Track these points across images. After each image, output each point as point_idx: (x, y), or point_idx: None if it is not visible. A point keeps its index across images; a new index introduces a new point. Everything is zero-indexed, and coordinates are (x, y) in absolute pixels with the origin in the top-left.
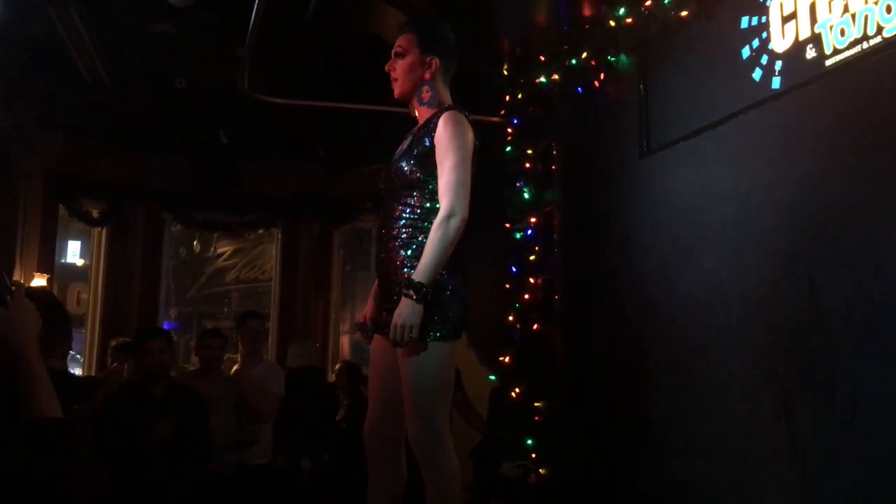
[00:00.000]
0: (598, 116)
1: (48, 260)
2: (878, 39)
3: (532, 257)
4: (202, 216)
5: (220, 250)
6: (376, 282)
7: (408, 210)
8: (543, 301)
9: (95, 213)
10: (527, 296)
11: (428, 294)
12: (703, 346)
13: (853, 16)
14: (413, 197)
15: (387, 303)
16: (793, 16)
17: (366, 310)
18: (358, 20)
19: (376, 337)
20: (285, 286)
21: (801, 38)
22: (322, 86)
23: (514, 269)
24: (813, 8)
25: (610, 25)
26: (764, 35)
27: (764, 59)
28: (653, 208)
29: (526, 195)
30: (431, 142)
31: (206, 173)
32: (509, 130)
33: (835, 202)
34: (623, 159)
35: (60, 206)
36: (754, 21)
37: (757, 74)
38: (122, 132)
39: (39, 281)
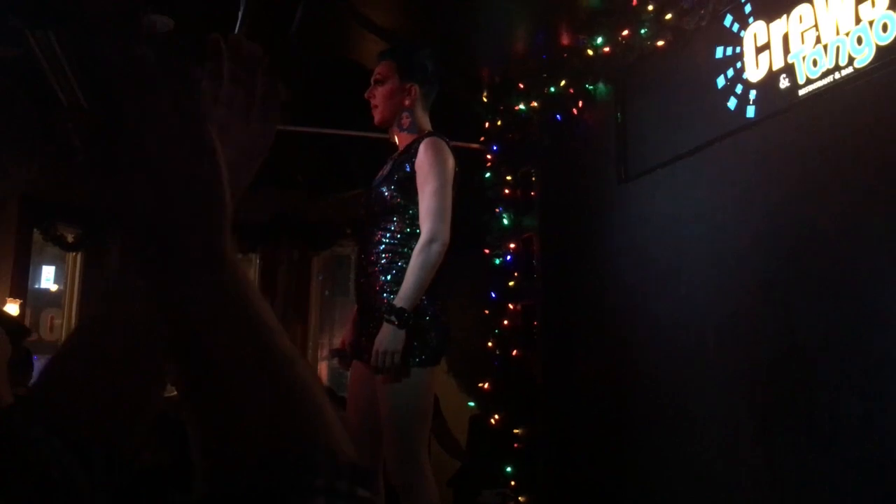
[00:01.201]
0: (576, 143)
1: (21, 285)
2: (850, 70)
3: (511, 283)
4: None
5: None
6: (355, 307)
7: (388, 235)
8: (523, 327)
9: (70, 238)
10: (506, 322)
11: (410, 320)
12: (682, 371)
13: (825, 47)
14: (393, 222)
15: (367, 328)
16: (766, 46)
17: (344, 335)
18: (338, 46)
19: (355, 363)
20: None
21: (775, 68)
22: (302, 111)
23: (493, 295)
24: (786, 39)
25: (588, 55)
26: (738, 65)
27: (738, 89)
28: (631, 234)
29: (505, 221)
30: (412, 167)
31: None
32: (489, 157)
33: (809, 228)
34: (601, 186)
35: (35, 230)
36: (729, 51)
37: (732, 103)
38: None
39: (12, 307)
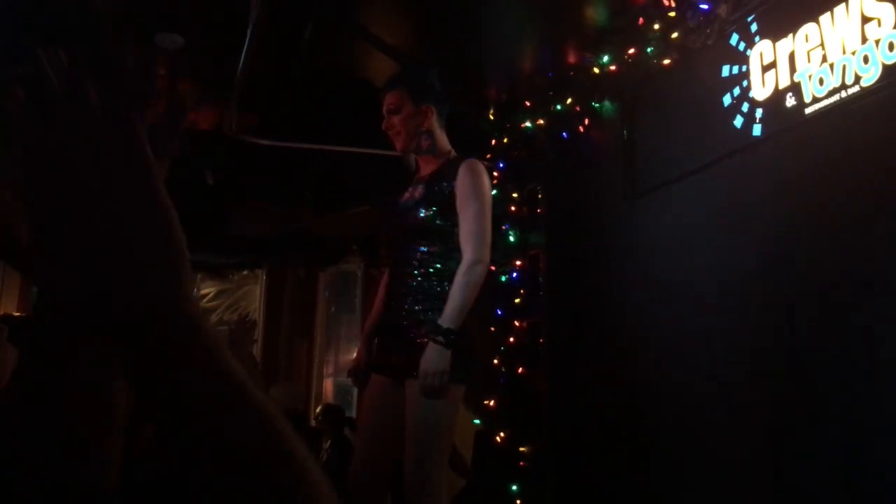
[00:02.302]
0: (582, 161)
1: (29, 300)
2: (857, 89)
3: (517, 300)
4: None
5: (203, 291)
6: (369, 325)
7: (426, 257)
8: (529, 344)
9: None
10: (512, 339)
11: (455, 340)
12: (690, 388)
13: (831, 66)
14: (430, 243)
15: (396, 344)
16: (772, 65)
17: (358, 354)
18: (346, 64)
19: (375, 380)
20: (269, 328)
21: (781, 86)
22: (309, 128)
23: (499, 312)
24: (792, 57)
25: (594, 72)
26: (744, 83)
27: (745, 107)
28: (638, 252)
29: (511, 238)
30: (451, 190)
31: (190, 214)
32: (495, 174)
33: (816, 246)
34: (608, 203)
35: None
36: (735, 70)
37: (738, 121)
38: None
39: None
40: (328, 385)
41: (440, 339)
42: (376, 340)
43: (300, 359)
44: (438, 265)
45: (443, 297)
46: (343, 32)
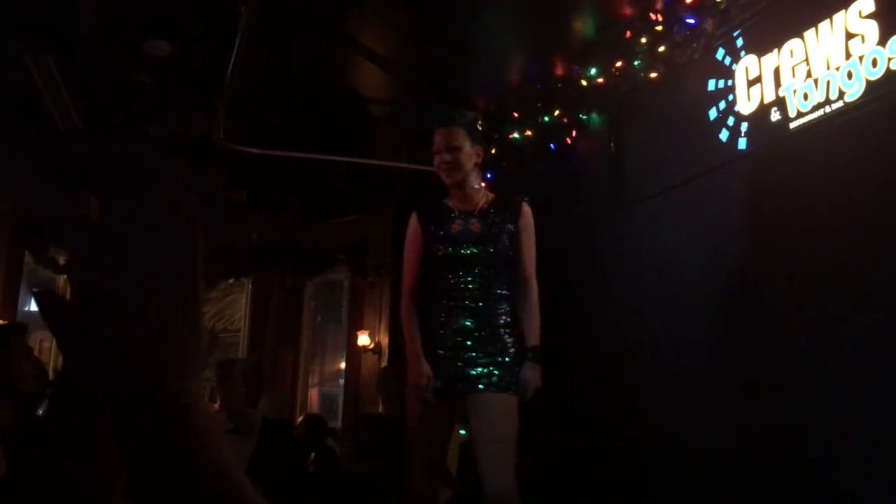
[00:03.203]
0: (570, 172)
1: (11, 308)
2: (840, 104)
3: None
4: None
5: None
6: (419, 346)
7: (504, 284)
8: None
9: (62, 261)
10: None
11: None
12: (677, 395)
13: (816, 81)
14: (507, 273)
15: (478, 363)
16: (758, 79)
17: (426, 369)
18: (335, 73)
19: (437, 399)
20: (255, 337)
21: (766, 101)
22: (298, 137)
23: None
24: (777, 72)
25: (582, 85)
26: (730, 97)
27: (730, 121)
28: (625, 261)
29: None
30: (517, 227)
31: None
32: (483, 184)
33: (800, 257)
34: (595, 214)
35: (26, 253)
36: (721, 84)
37: (724, 135)
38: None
39: None
40: (313, 395)
41: (536, 357)
42: (431, 359)
43: (286, 368)
44: (504, 291)
45: (507, 321)
46: (332, 42)
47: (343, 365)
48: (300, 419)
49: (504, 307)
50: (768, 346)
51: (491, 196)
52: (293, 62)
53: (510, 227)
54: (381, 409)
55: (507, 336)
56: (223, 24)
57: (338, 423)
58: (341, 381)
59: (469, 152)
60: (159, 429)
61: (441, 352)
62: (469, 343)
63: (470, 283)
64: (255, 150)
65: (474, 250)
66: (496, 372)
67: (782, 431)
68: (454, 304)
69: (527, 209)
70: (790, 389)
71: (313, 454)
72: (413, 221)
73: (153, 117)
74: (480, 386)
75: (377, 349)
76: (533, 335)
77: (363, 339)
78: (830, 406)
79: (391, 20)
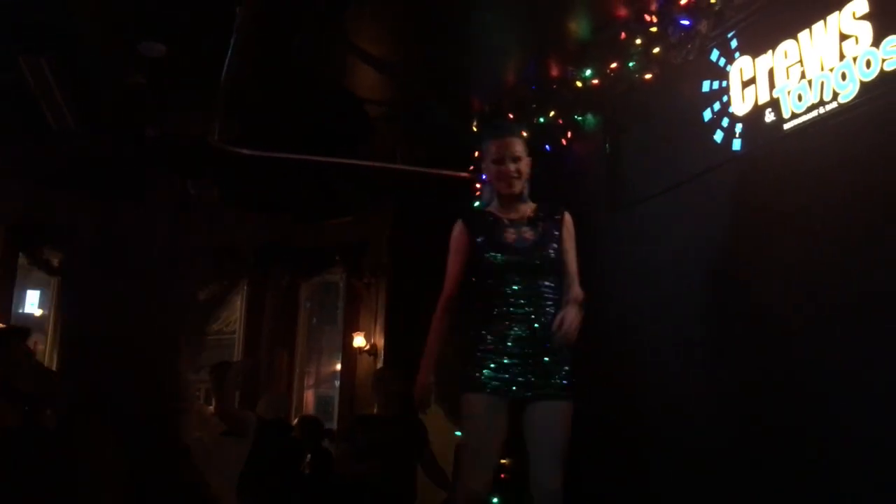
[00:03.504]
0: (565, 173)
1: (5, 309)
2: (834, 105)
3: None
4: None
5: None
6: (434, 356)
7: (553, 290)
8: None
9: (56, 262)
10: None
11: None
12: (672, 399)
13: (810, 82)
14: (554, 279)
15: (535, 367)
16: (752, 81)
17: (425, 382)
18: (331, 74)
19: (489, 400)
20: (250, 338)
21: (761, 102)
22: (294, 138)
23: None
24: (771, 73)
25: (577, 86)
26: (725, 99)
27: (725, 122)
28: (622, 262)
29: None
30: (561, 234)
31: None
32: (478, 185)
33: (795, 258)
34: (590, 215)
35: (20, 254)
36: (715, 85)
37: (718, 136)
38: (88, 181)
39: None
40: (309, 396)
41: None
42: (491, 364)
43: (281, 370)
44: (558, 297)
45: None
46: (328, 43)
47: (339, 366)
48: (296, 421)
49: (554, 313)
50: (765, 346)
51: (533, 204)
52: (289, 63)
53: (556, 233)
54: (376, 410)
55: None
56: (218, 25)
57: (333, 425)
58: (337, 383)
59: (527, 161)
60: (158, 429)
61: (496, 359)
62: (523, 350)
63: (524, 290)
64: (249, 152)
65: (530, 258)
66: (551, 380)
67: (780, 431)
68: (508, 311)
69: (568, 216)
70: (788, 389)
71: (309, 456)
72: (459, 231)
73: (149, 119)
74: (534, 393)
75: (373, 351)
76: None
77: (359, 341)
78: (829, 406)
79: (387, 21)
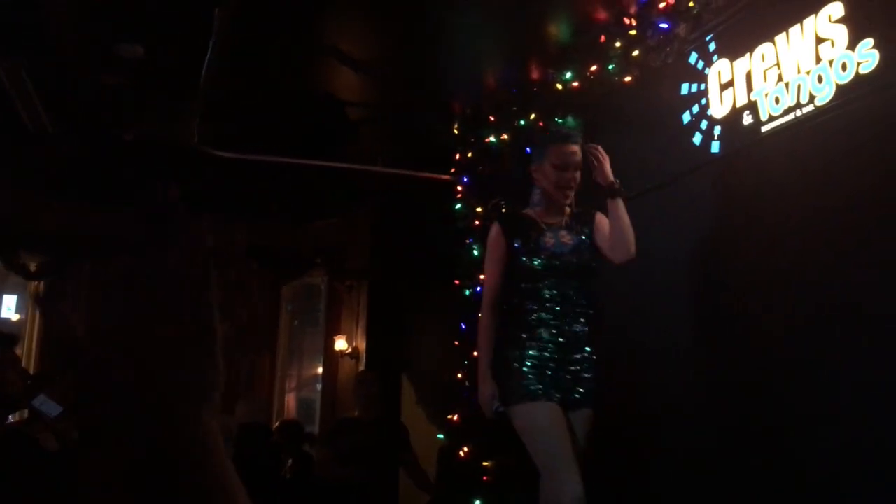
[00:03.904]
0: None
1: None
2: (811, 108)
3: (481, 314)
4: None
5: None
6: (489, 362)
7: (586, 295)
8: None
9: (33, 267)
10: (476, 353)
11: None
12: (653, 398)
13: (787, 85)
14: (589, 284)
15: (574, 374)
16: (730, 83)
17: (491, 390)
18: (312, 76)
19: (551, 406)
20: (230, 341)
21: (739, 104)
22: (275, 141)
23: (463, 327)
24: (749, 76)
25: (557, 88)
26: (703, 101)
27: (704, 125)
28: (600, 265)
29: (475, 252)
30: (594, 233)
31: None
32: (459, 188)
33: (773, 260)
34: None
35: None
36: (694, 88)
37: (697, 139)
38: (66, 184)
39: None
40: (290, 400)
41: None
42: (534, 371)
43: (262, 373)
44: (591, 303)
45: (591, 334)
46: (309, 46)
47: (320, 369)
48: (277, 425)
49: (589, 318)
50: (744, 348)
51: (568, 209)
52: (269, 65)
53: (590, 236)
54: (357, 413)
55: (592, 349)
56: (197, 26)
57: (315, 428)
58: (319, 386)
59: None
60: (164, 456)
61: (538, 365)
62: (558, 356)
63: (560, 295)
64: (229, 155)
65: (569, 262)
66: (580, 387)
67: (760, 432)
68: (544, 316)
69: (600, 215)
70: (765, 391)
71: (290, 460)
72: (496, 234)
73: (126, 121)
74: (566, 398)
75: (355, 354)
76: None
77: (340, 344)
78: (809, 407)
79: (367, 23)
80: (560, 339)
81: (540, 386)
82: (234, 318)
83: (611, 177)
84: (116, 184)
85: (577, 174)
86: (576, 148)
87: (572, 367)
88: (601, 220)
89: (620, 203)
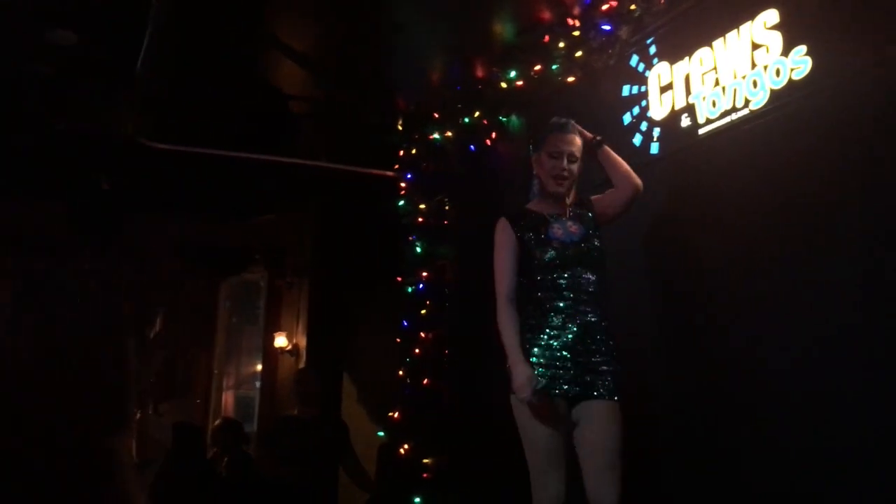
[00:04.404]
0: (489, 173)
1: None
2: (746, 112)
3: (423, 312)
4: (74, 263)
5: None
6: (519, 350)
7: (598, 283)
8: (434, 356)
9: None
10: (417, 350)
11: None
12: None
13: (723, 89)
14: (602, 272)
15: (588, 365)
16: (669, 86)
17: (528, 373)
18: (253, 69)
19: (552, 402)
20: (167, 339)
21: (677, 107)
22: (214, 134)
23: (405, 324)
24: (687, 80)
25: (501, 87)
26: (644, 103)
27: (643, 126)
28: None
29: (418, 249)
30: (595, 216)
31: (85, 221)
32: (402, 185)
33: (709, 260)
34: None
35: None
36: (635, 90)
37: (637, 140)
38: None
39: None
40: (228, 398)
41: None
42: (542, 362)
43: (199, 371)
44: (602, 291)
45: (608, 324)
46: (250, 37)
47: (259, 367)
48: (215, 423)
49: (603, 307)
50: (685, 343)
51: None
52: (208, 55)
53: (594, 222)
54: (296, 411)
55: (610, 340)
56: (134, 14)
57: (254, 427)
58: (258, 384)
59: (580, 164)
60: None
61: (549, 356)
62: (578, 347)
63: (574, 284)
64: (166, 146)
65: (580, 250)
66: (605, 378)
67: (703, 428)
68: (559, 306)
69: (594, 198)
70: (710, 389)
71: (226, 459)
72: (504, 228)
73: (57, 111)
74: (584, 390)
75: (295, 351)
76: None
77: (280, 341)
78: (758, 408)
79: (313, 17)
80: (574, 330)
81: (550, 380)
82: (167, 315)
83: (588, 135)
84: (44, 177)
85: (574, 166)
86: (571, 138)
87: (588, 358)
88: (597, 199)
89: (608, 149)
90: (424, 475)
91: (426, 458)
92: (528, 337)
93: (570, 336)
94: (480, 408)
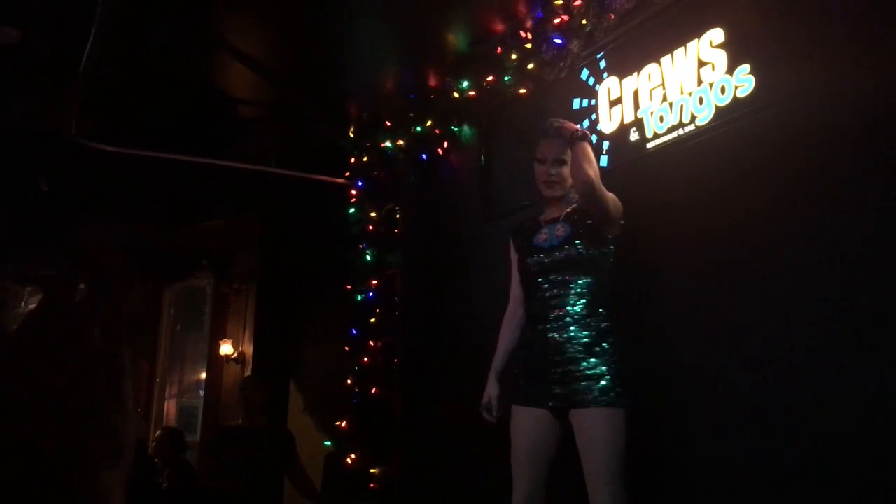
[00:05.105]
0: (440, 183)
1: None
2: (692, 127)
3: (372, 320)
4: (13, 268)
5: (31, 307)
6: (499, 361)
7: (585, 286)
8: (383, 365)
9: None
10: (366, 359)
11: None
12: None
13: (671, 104)
14: (587, 276)
15: (584, 371)
16: (619, 101)
17: (491, 391)
18: (201, 71)
19: (530, 412)
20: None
21: (626, 121)
22: (159, 136)
23: (354, 332)
24: (636, 95)
25: (454, 97)
26: (593, 116)
27: (593, 139)
28: (493, 273)
29: (368, 257)
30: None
31: (21, 223)
32: (353, 192)
33: (655, 270)
34: (464, 225)
35: None
36: (585, 103)
37: None
38: None
39: None
40: (170, 407)
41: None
42: (525, 374)
43: (141, 380)
44: (600, 297)
45: (607, 328)
46: (198, 39)
47: (204, 375)
48: (158, 433)
49: (601, 313)
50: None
51: (574, 203)
52: (155, 56)
53: (588, 226)
54: (241, 420)
55: (607, 345)
56: (79, 12)
57: (197, 436)
58: (202, 392)
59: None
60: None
61: (533, 366)
62: (556, 358)
63: (558, 290)
64: (109, 148)
65: (563, 254)
66: (600, 384)
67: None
68: (544, 315)
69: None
70: (668, 399)
71: (168, 469)
72: (509, 244)
73: None
74: (574, 400)
75: (240, 359)
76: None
77: (226, 349)
78: (706, 414)
79: (264, 20)
80: (555, 337)
81: (532, 389)
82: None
83: (571, 128)
84: None
85: (562, 168)
86: (553, 141)
87: (575, 366)
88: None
89: (582, 146)
90: (371, 485)
91: (373, 468)
92: (524, 350)
93: (551, 345)
94: (428, 417)
